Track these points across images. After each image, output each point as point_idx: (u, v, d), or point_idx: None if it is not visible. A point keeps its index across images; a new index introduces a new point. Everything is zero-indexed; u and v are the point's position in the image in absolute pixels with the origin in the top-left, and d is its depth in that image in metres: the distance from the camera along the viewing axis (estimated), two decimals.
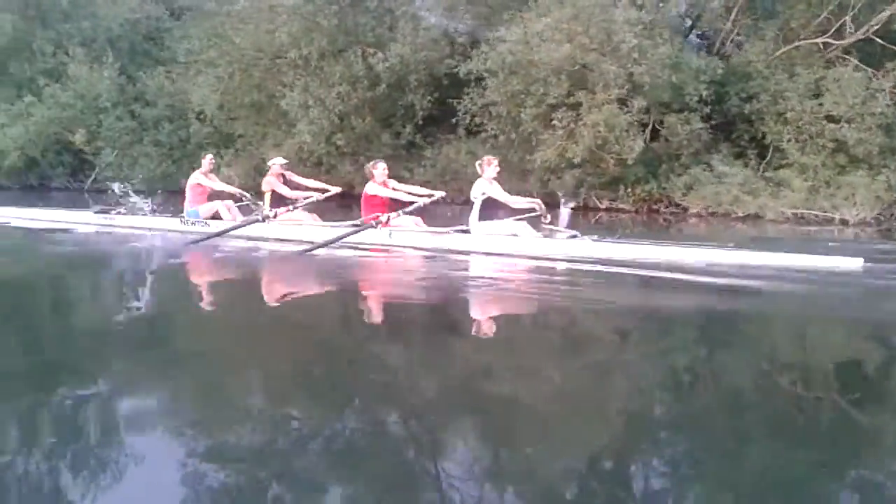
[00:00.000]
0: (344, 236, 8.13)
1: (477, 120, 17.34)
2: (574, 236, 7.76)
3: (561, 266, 7.33)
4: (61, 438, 2.79)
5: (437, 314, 5.54)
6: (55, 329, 4.82)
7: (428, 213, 8.91)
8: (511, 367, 3.89)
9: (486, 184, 8.05)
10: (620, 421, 3.15)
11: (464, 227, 8.18)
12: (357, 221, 8.56)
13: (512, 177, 16.89)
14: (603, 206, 17.16)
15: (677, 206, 16.45)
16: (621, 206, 16.98)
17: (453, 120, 17.76)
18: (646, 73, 15.03)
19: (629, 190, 16.64)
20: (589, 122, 15.14)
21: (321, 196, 9.04)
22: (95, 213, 10.44)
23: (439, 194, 8.44)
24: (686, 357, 4.32)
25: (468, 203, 8.37)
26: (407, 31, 18.04)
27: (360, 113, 18.37)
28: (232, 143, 21.01)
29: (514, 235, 7.94)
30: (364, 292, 6.61)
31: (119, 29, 24.60)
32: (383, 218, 8.21)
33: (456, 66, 17.43)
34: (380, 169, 8.63)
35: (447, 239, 8.20)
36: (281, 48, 18.43)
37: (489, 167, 8.11)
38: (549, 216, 8.02)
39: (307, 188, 9.35)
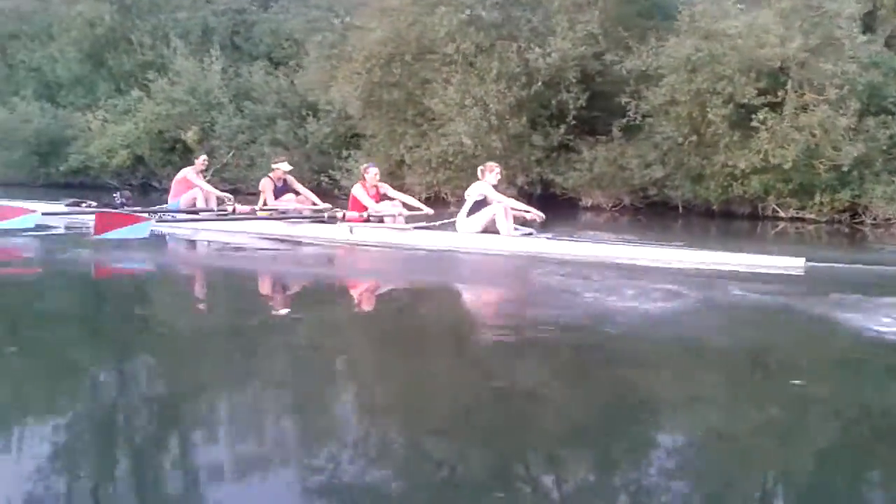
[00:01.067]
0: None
1: (649, 121, 16.15)
2: (530, 234, 8.12)
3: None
4: None
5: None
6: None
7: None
8: None
9: (486, 186, 8.30)
10: None
11: (450, 220, 8.53)
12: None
13: (685, 181, 15.77)
14: (787, 216, 15.96)
15: (874, 217, 15.27)
16: (808, 215, 15.76)
17: (612, 121, 16.63)
18: (860, 71, 13.88)
19: (822, 199, 15.39)
20: (802, 125, 13.94)
21: (303, 210, 9.46)
22: (66, 205, 10.35)
23: (426, 210, 8.92)
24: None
25: None
26: (564, 25, 16.78)
27: (514, 112, 17.10)
28: (356, 144, 19.74)
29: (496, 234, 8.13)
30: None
31: (214, 20, 23.25)
32: (339, 214, 8.72)
33: (619, 62, 16.26)
34: (371, 174, 8.98)
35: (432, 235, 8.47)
36: (432, 43, 17.14)
37: (490, 174, 8.37)
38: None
39: (304, 198, 9.83)
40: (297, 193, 9.97)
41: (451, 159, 17.44)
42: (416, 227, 8.64)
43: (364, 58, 17.92)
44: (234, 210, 9.65)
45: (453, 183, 18.10)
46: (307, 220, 9.19)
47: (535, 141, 17.43)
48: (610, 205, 17.61)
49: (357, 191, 8.96)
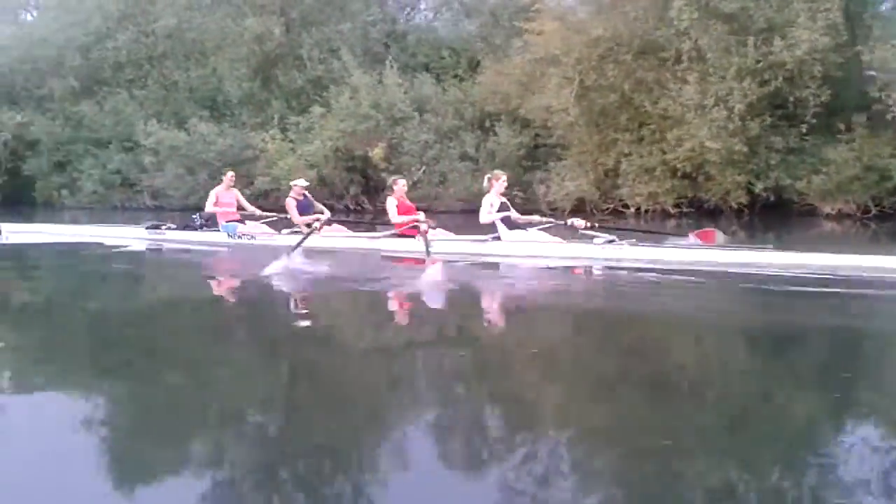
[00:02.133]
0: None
1: None
2: (612, 240, 7.95)
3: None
4: None
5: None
6: None
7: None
8: None
9: (496, 198, 8.32)
10: None
11: (494, 236, 8.40)
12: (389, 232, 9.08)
13: None
14: None
15: None
16: None
17: (849, 119, 15.14)
18: None
19: None
20: None
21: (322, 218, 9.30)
22: (147, 228, 10.63)
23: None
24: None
25: None
26: (804, 15, 15.02)
27: (753, 112, 15.43)
28: (555, 154, 18.44)
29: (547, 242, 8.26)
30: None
31: (373, 31, 22.32)
32: (423, 227, 8.26)
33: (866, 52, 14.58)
34: (399, 185, 9.13)
35: (483, 247, 8.43)
36: (655, 40, 15.66)
37: (497, 182, 8.37)
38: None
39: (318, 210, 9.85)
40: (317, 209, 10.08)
41: (680, 166, 15.91)
42: (493, 238, 8.44)
43: (575, 60, 16.54)
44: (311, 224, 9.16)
45: (676, 193, 16.62)
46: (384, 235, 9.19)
47: (775, 143, 15.69)
48: (859, 212, 15.72)
49: (388, 203, 9.14)
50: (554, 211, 17.92)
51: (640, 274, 7.00)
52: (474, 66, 22.50)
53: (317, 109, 19.54)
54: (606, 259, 7.72)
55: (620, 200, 17.30)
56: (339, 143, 18.93)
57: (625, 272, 7.18)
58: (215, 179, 19.45)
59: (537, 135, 19.20)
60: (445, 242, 8.46)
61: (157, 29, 24.10)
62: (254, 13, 20.75)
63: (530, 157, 19.10)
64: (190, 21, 22.66)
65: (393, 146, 19.05)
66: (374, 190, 19.95)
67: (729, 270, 7.05)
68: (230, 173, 10.70)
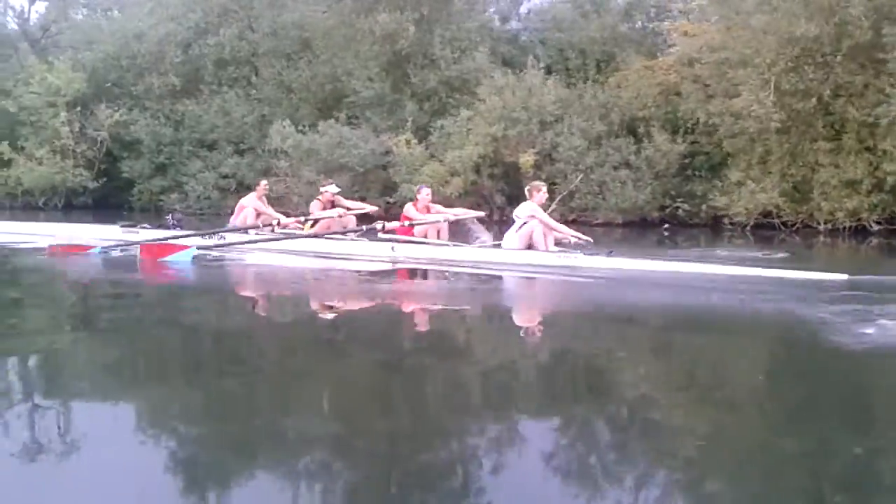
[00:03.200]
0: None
1: None
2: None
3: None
4: None
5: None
6: None
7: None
8: None
9: (535, 207, 8.34)
10: None
11: (497, 242, 8.66)
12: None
13: None
14: None
15: None
16: None
17: None
18: None
19: None
20: None
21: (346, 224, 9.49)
22: (121, 227, 10.53)
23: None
24: None
25: None
26: None
27: None
28: (712, 163, 17.14)
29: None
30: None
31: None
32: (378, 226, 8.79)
33: None
34: (423, 194, 9.28)
35: (476, 253, 8.61)
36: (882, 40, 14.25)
37: (538, 193, 8.49)
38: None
39: (350, 209, 9.89)
40: (348, 209, 9.96)
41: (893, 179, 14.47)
42: (455, 245, 8.79)
43: (770, 61, 15.11)
44: (279, 223, 9.70)
45: (881, 209, 15.18)
46: (348, 236, 9.25)
47: None
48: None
49: (408, 209, 9.19)
50: (733, 226, 16.54)
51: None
52: (604, 67, 21.22)
53: (464, 113, 18.06)
54: (562, 267, 7.88)
55: (811, 215, 15.84)
56: (487, 148, 17.45)
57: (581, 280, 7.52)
58: (353, 186, 18.23)
59: (694, 142, 17.84)
60: (412, 246, 8.67)
61: (264, 25, 22.76)
62: (386, 8, 19.29)
63: (699, 166, 17.74)
64: (313, 16, 21.25)
65: (543, 153, 17.57)
66: (521, 200, 18.45)
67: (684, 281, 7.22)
68: (264, 182, 11.11)
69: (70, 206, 22.78)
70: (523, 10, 24.09)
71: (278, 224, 9.68)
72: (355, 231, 9.20)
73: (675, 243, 14.50)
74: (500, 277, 8.15)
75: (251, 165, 20.51)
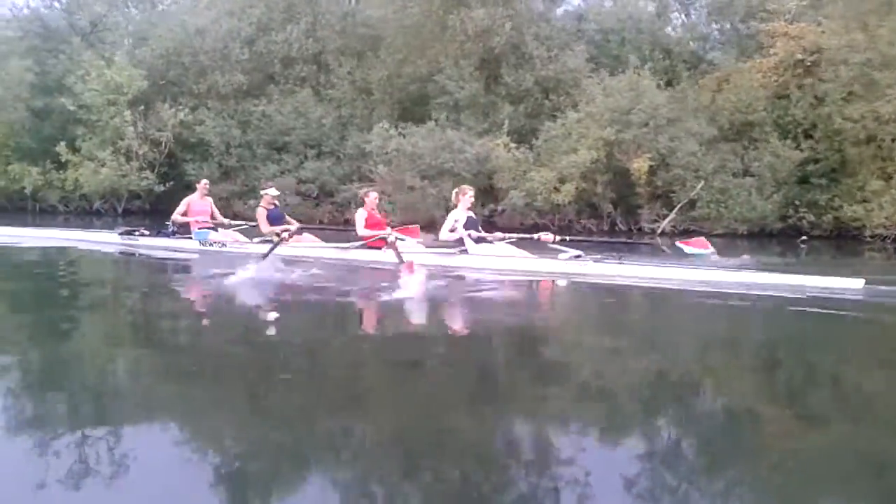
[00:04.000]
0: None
1: None
2: (578, 256, 8.11)
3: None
4: None
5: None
6: None
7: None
8: None
9: (462, 212, 8.47)
10: None
11: (462, 249, 8.51)
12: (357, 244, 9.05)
13: None
14: None
15: None
16: None
17: None
18: None
19: None
20: None
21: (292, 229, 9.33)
22: (120, 234, 10.73)
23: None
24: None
25: None
26: None
27: None
28: (840, 172, 16.22)
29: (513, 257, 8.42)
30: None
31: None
32: (391, 238, 8.58)
33: None
34: (370, 198, 9.24)
35: (450, 259, 8.51)
36: None
37: (464, 197, 8.53)
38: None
39: (286, 221, 9.77)
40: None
41: None
42: (461, 252, 8.59)
43: None
44: (291, 235, 9.27)
45: None
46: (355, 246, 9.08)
47: None
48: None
49: (357, 215, 9.19)
50: (873, 238, 15.56)
51: (597, 288, 7.40)
52: (692, 68, 20.27)
53: (572, 115, 16.96)
54: (569, 273, 7.96)
55: None
56: (600, 153, 16.35)
57: (586, 286, 7.55)
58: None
59: (812, 148, 16.86)
60: (414, 255, 8.38)
61: (333, 21, 21.58)
62: (479, 4, 18.16)
63: (808, 174, 16.76)
64: (384, 13, 20.10)
65: (658, 158, 16.50)
66: (632, 209, 17.42)
67: (690, 287, 7.15)
68: (204, 181, 11.00)
69: (127, 211, 21.51)
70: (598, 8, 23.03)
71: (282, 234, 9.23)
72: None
73: (816, 253, 13.56)
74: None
75: (332, 170, 19.27)
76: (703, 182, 16.29)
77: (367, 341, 4.91)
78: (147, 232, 10.66)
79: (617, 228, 17.49)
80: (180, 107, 21.09)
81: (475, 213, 8.85)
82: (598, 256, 8.19)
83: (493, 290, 7.52)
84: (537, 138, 17.72)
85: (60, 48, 22.66)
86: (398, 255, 8.11)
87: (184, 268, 9.35)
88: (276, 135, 20.68)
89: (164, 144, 21.15)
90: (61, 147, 20.64)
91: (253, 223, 10.02)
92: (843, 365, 4.39)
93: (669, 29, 22.26)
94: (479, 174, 16.97)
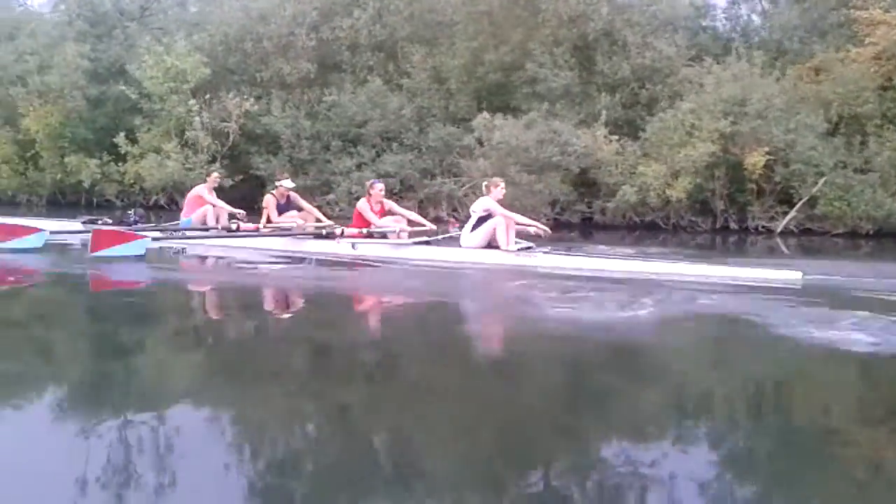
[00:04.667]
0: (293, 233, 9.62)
1: None
2: (529, 248, 8.41)
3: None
4: None
5: None
6: None
7: None
8: None
9: (491, 202, 8.62)
10: None
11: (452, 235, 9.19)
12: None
13: None
14: None
15: None
16: None
17: None
18: None
19: None
20: None
21: (305, 226, 9.86)
22: (82, 223, 10.67)
23: (429, 226, 9.56)
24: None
25: None
26: None
27: None
28: None
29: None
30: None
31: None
32: (338, 231, 9.21)
33: None
34: (376, 189, 9.44)
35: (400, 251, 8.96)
36: None
37: (496, 189, 8.72)
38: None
39: (307, 214, 10.23)
40: (301, 209, 10.30)
41: None
42: (416, 243, 9.04)
43: None
44: (237, 227, 10.02)
45: None
46: (309, 236, 9.58)
47: None
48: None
49: (361, 206, 9.34)
50: None
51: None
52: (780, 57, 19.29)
53: (684, 105, 15.97)
54: (517, 265, 8.17)
55: None
56: (715, 146, 15.39)
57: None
58: (565, 187, 16.17)
59: None
60: (369, 245, 9.09)
61: (401, 6, 20.48)
62: None
63: None
64: None
65: (775, 152, 15.56)
66: (742, 206, 16.48)
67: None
68: (215, 174, 11.59)
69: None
70: None
71: (238, 228, 10.01)
72: (316, 233, 9.54)
73: None
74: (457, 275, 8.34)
75: (413, 163, 18.24)
76: (824, 178, 15.37)
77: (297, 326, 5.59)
78: (110, 221, 10.66)
79: (731, 227, 16.54)
80: (244, 96, 19.98)
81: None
82: (547, 249, 8.45)
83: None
84: (636, 129, 16.78)
85: (113, 34, 21.49)
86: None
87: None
88: (348, 126, 19.60)
89: (228, 136, 20.02)
90: (120, 138, 19.51)
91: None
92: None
93: (754, 16, 21.27)
94: (587, 168, 16.03)
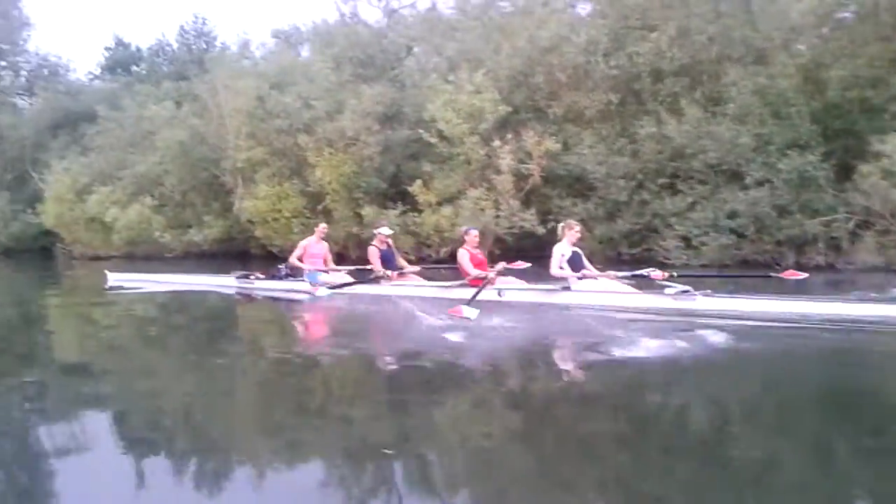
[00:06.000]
0: (474, 296, 8.27)
1: None
2: (686, 291, 7.84)
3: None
4: None
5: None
6: None
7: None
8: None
9: (567, 247, 8.73)
10: None
11: (564, 286, 8.63)
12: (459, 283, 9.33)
13: None
14: None
15: None
16: None
17: None
18: None
19: None
20: None
21: (413, 269, 10.57)
22: (237, 278, 11.63)
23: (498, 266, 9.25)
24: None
25: None
26: None
27: None
28: None
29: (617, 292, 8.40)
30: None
31: None
32: (491, 275, 8.85)
33: None
34: (471, 235, 9.55)
35: (552, 296, 8.63)
36: None
37: (570, 231, 8.78)
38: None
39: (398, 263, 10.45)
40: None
41: None
42: (563, 289, 8.66)
43: None
44: (389, 276, 10.01)
45: None
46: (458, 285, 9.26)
47: None
48: None
49: (461, 255, 9.38)
50: None
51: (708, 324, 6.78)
52: None
53: None
54: (678, 310, 7.62)
55: None
56: None
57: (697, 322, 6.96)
58: None
59: None
60: (516, 291, 8.83)
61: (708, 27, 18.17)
62: None
63: None
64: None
65: None
66: None
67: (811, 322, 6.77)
68: (322, 225, 11.72)
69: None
70: None
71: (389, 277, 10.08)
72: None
73: None
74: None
75: (769, 201, 15.77)
76: None
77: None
78: (262, 275, 11.54)
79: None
80: (545, 133, 18.21)
81: (580, 249, 9.00)
82: (708, 291, 7.87)
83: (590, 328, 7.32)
84: None
85: (385, 75, 20.37)
86: (479, 290, 8.32)
87: (295, 306, 10.15)
88: (664, 160, 17.45)
89: (528, 179, 18.29)
90: (416, 186, 18.15)
91: (366, 266, 10.55)
92: None
93: None
94: None
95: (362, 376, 5.62)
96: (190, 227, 21.68)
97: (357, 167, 18.68)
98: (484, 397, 4.79)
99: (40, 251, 31.12)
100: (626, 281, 8.70)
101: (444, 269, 11.57)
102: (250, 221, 20.16)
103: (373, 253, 10.20)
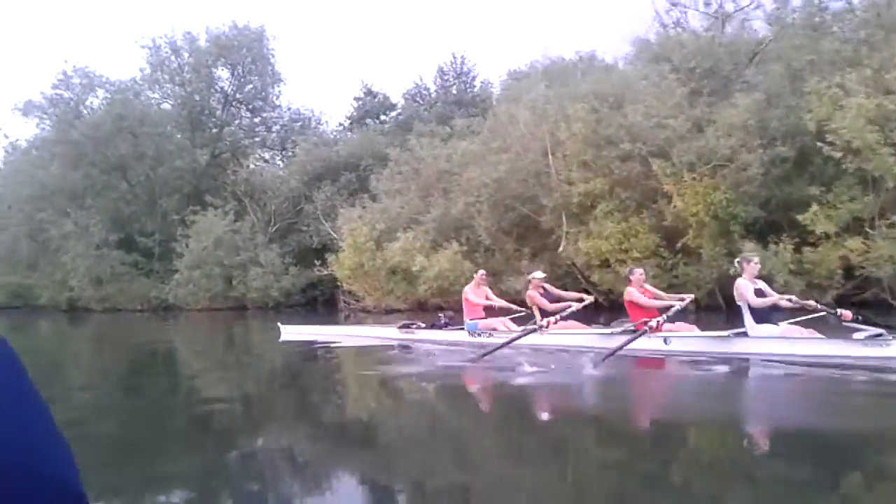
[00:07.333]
0: (623, 345, 8.02)
1: None
2: (879, 335, 6.89)
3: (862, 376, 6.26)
4: None
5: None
6: None
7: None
8: None
9: (749, 284, 7.99)
10: None
11: (741, 330, 8.01)
12: (627, 327, 8.93)
13: None
14: None
15: None
16: None
17: None
18: None
19: None
20: None
21: (579, 305, 9.79)
22: (399, 328, 11.79)
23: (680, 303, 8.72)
24: None
25: None
26: None
27: None
28: None
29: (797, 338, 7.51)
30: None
31: None
32: (652, 323, 8.34)
33: None
34: (636, 274, 9.24)
35: (724, 343, 8.07)
36: None
37: (749, 265, 8.16)
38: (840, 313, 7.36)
39: (564, 298, 10.20)
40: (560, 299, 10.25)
41: None
42: (735, 334, 8.16)
43: None
44: (548, 325, 9.45)
45: None
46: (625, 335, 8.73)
47: None
48: None
49: (631, 294, 9.09)
50: None
51: None
52: None
53: None
54: (867, 358, 6.72)
55: None
56: None
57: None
58: None
59: None
60: (685, 339, 8.29)
61: None
62: None
63: None
64: None
65: None
66: None
67: None
68: (481, 272, 11.45)
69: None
70: None
71: (547, 326, 9.57)
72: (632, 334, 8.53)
73: None
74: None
75: None
76: None
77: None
78: (423, 325, 11.71)
79: None
80: None
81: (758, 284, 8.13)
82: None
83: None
84: None
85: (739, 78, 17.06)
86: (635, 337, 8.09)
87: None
88: None
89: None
90: (811, 213, 14.57)
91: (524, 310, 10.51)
92: None
93: None
94: None
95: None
96: (502, 272, 19.55)
97: (731, 193, 15.42)
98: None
99: (305, 304, 30.92)
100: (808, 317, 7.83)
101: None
102: (585, 266, 17.56)
103: (534, 297, 10.05)
